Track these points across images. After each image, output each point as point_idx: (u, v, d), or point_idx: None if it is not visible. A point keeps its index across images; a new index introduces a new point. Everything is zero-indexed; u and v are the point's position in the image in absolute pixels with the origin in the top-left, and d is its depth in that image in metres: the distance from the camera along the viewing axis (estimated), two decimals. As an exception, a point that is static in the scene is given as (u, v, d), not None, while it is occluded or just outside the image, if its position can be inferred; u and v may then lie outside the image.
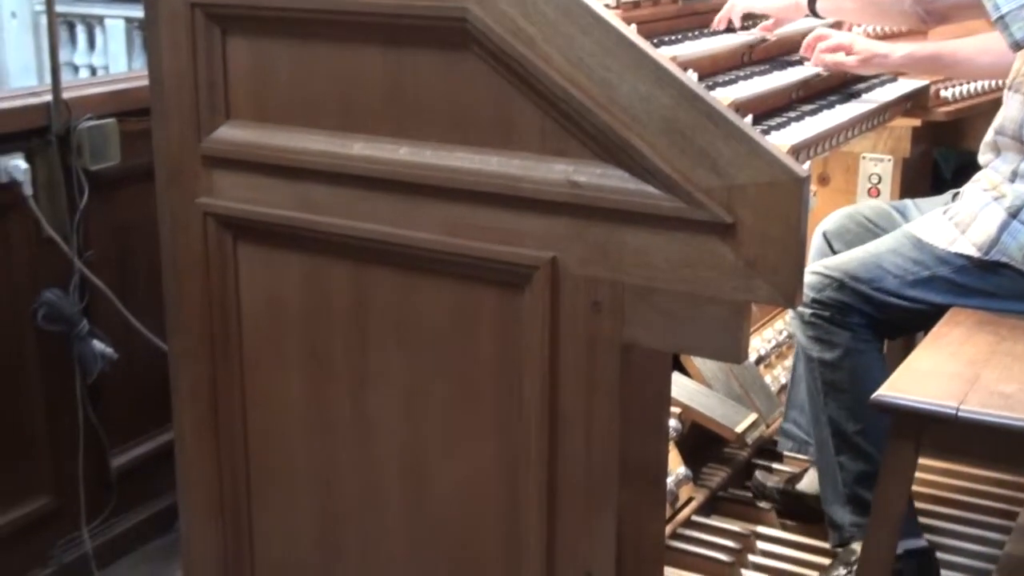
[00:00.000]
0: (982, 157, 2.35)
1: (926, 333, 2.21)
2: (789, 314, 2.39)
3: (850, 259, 2.32)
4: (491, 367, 1.82)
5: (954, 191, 2.46)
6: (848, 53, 2.53)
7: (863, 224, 2.54)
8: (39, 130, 2.62)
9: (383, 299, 1.89)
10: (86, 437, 2.76)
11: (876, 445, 2.24)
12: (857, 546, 2.28)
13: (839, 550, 2.37)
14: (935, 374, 1.94)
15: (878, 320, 2.29)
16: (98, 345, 2.74)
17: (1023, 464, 1.96)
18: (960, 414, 1.81)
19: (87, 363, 2.72)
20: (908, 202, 2.60)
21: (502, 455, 1.84)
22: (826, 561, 2.46)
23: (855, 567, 2.26)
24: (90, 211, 2.72)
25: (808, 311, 2.31)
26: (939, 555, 2.47)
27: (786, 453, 2.84)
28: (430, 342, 1.86)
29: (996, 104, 2.37)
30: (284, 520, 2.10)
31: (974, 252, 2.21)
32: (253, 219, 1.95)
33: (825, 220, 2.61)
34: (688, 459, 2.59)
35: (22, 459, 2.69)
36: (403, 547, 1.99)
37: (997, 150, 2.30)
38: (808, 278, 2.30)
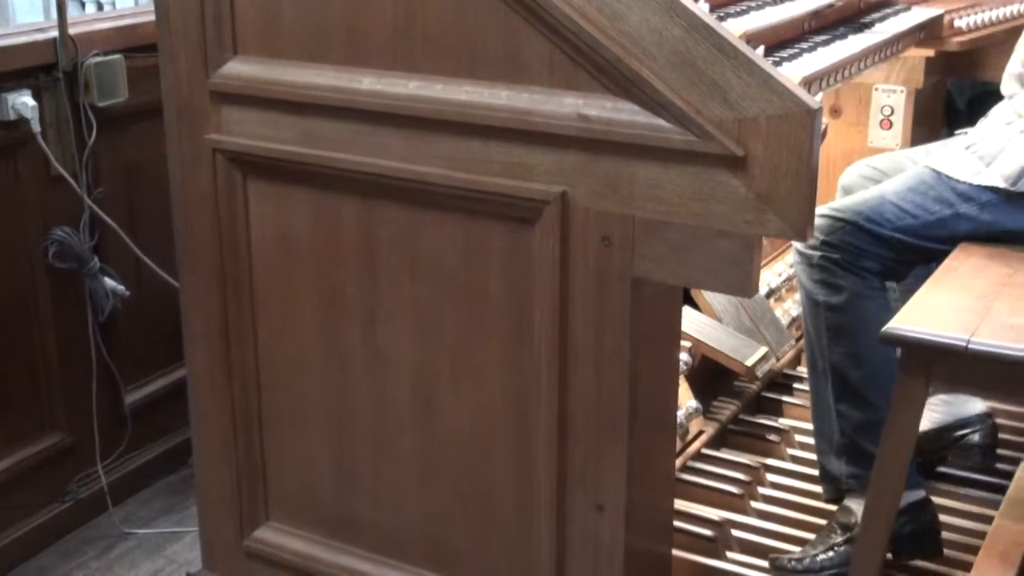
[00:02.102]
0: (1005, 87, 2.30)
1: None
2: (793, 257, 2.32)
3: (864, 199, 2.25)
4: (501, 301, 1.82)
5: (966, 129, 2.42)
6: None
7: (876, 177, 2.46)
8: (46, 67, 2.61)
9: (393, 234, 1.89)
10: (99, 374, 2.78)
11: (879, 393, 2.18)
12: (854, 505, 2.24)
13: (834, 508, 2.31)
14: (946, 307, 1.94)
15: (893, 262, 2.23)
16: (109, 282, 2.75)
17: (1033, 395, 1.96)
18: (971, 346, 1.80)
19: (99, 300, 2.74)
20: (922, 149, 2.54)
21: (513, 388, 1.85)
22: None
23: (853, 531, 2.20)
24: (99, 148, 2.71)
25: (817, 254, 2.22)
26: (950, 487, 2.49)
27: (796, 387, 2.85)
28: (440, 277, 1.86)
29: (1011, 34, 2.34)
30: (297, 453, 2.11)
31: (1002, 184, 2.15)
32: (262, 155, 1.94)
33: (843, 176, 2.55)
34: (698, 392, 2.60)
35: (37, 396, 2.71)
36: (415, 479, 2.00)
37: (1023, 81, 2.25)
38: (817, 221, 2.24)
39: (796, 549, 2.29)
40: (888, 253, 2.22)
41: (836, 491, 2.30)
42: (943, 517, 2.36)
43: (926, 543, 2.25)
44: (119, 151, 2.80)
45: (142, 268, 2.85)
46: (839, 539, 2.25)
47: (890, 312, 2.22)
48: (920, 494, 2.25)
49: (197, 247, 2.06)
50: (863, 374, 2.22)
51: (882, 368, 2.18)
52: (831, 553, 2.24)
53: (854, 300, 2.22)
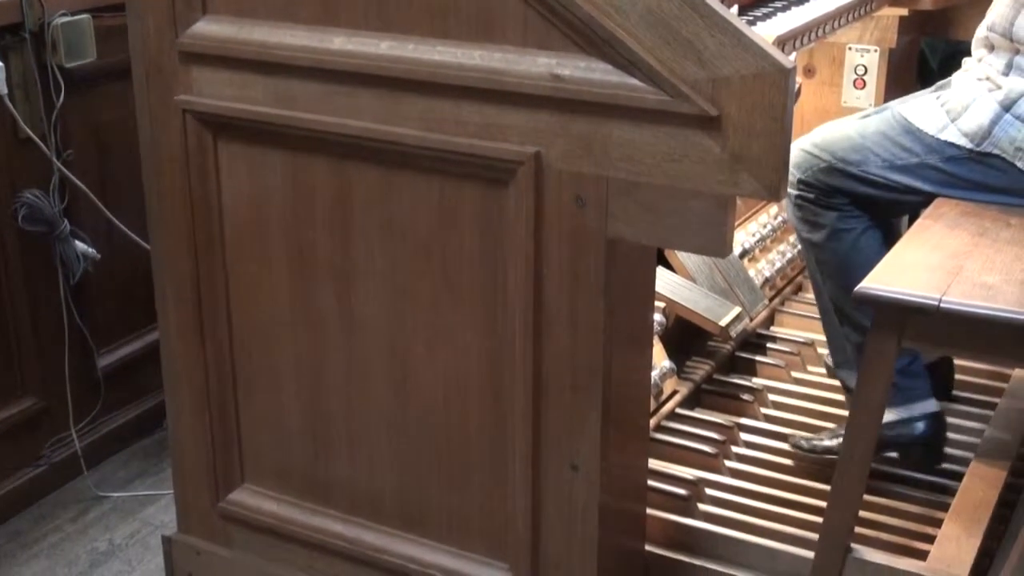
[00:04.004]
0: (975, 52, 2.31)
1: (911, 222, 2.20)
2: None
3: (837, 138, 2.29)
4: (475, 263, 1.82)
5: (939, 83, 2.43)
6: None
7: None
8: (12, 27, 2.57)
9: (366, 195, 1.88)
10: (71, 338, 2.76)
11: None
12: None
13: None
14: (918, 266, 1.94)
15: (864, 200, 2.28)
16: (80, 246, 2.72)
17: (1004, 354, 1.97)
18: (942, 305, 1.81)
19: (70, 264, 2.71)
20: (889, 105, 2.55)
21: (487, 350, 1.85)
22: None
23: None
24: (67, 110, 2.68)
25: (795, 192, 2.31)
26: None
27: (769, 346, 2.87)
28: (414, 238, 1.86)
29: (983, -7, 2.34)
30: (271, 416, 2.11)
31: (965, 142, 2.18)
32: (233, 116, 1.92)
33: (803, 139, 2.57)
34: (672, 353, 2.61)
35: (8, 361, 2.69)
36: (390, 440, 2.01)
37: (990, 46, 2.26)
38: (795, 155, 2.28)
39: (770, 507, 2.31)
40: (859, 191, 2.27)
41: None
42: (914, 473, 2.40)
43: (929, 453, 2.38)
44: (88, 112, 2.77)
45: (113, 231, 2.83)
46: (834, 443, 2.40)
47: (874, 238, 2.27)
48: (932, 407, 2.36)
49: (168, 209, 2.05)
50: (855, 304, 2.27)
51: None
52: (834, 442, 2.40)
53: (834, 235, 2.29)
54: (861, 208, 2.29)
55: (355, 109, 1.81)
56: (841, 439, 2.37)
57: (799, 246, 2.52)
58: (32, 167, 2.64)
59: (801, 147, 2.30)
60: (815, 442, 2.44)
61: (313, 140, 1.87)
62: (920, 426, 2.35)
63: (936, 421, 2.37)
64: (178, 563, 2.29)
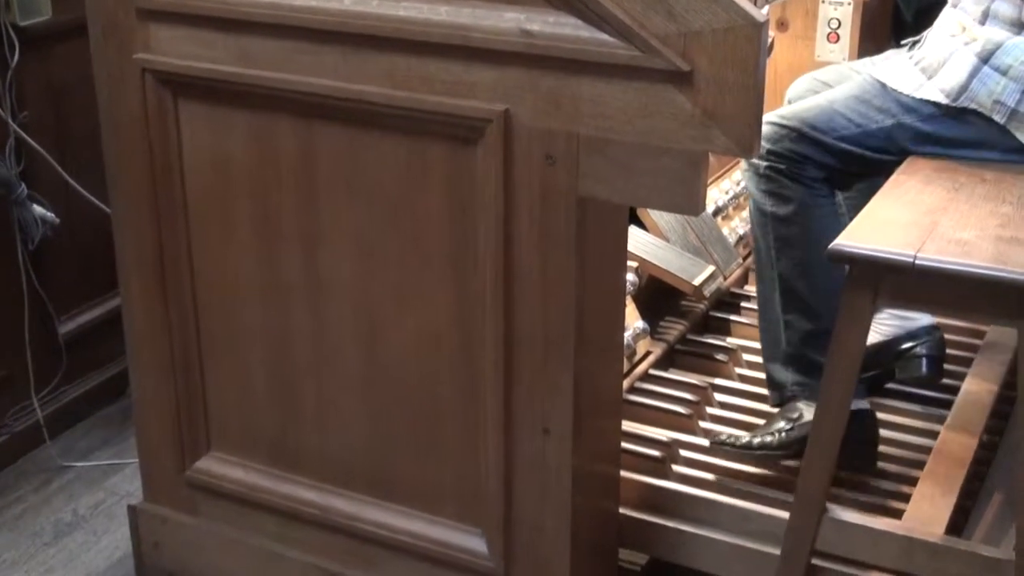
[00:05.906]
0: None
1: (885, 178, 2.18)
2: (743, 165, 2.32)
3: (808, 107, 2.25)
4: (444, 223, 1.79)
5: (913, 39, 2.40)
6: None
7: (823, 90, 2.46)
8: (-37, -15, 2.51)
9: (331, 155, 1.84)
10: (31, 304, 2.71)
11: (825, 304, 2.20)
12: (802, 404, 2.26)
13: (779, 408, 2.33)
14: (892, 223, 1.93)
15: (836, 171, 2.24)
16: (38, 210, 2.67)
17: (979, 310, 1.96)
18: (917, 262, 1.80)
19: (28, 228, 2.66)
20: (868, 60, 2.53)
21: (457, 312, 1.83)
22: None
23: (797, 422, 2.25)
24: (22, 70, 2.62)
25: (763, 163, 2.25)
26: (897, 403, 2.51)
27: (743, 305, 2.85)
28: (381, 198, 1.82)
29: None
30: (238, 380, 2.08)
31: (942, 99, 2.15)
32: (193, 75, 1.88)
33: (790, 88, 2.53)
34: (645, 313, 2.59)
35: (-34, 328, 2.65)
36: (359, 405, 1.98)
37: None
38: (764, 128, 2.24)
39: (745, 468, 2.30)
40: (832, 161, 2.22)
41: (782, 398, 2.33)
42: (890, 432, 2.39)
43: (862, 453, 2.29)
44: (44, 73, 2.71)
45: (72, 194, 2.77)
46: (781, 425, 2.28)
47: (838, 222, 2.23)
48: (863, 404, 2.28)
49: (128, 172, 2.00)
50: (810, 284, 2.24)
51: (828, 279, 2.19)
52: (770, 438, 2.29)
53: (801, 211, 2.23)
54: (830, 185, 2.25)
55: (319, 67, 1.77)
56: (773, 436, 2.29)
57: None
58: (-14, 130, 2.59)
59: (768, 120, 2.22)
60: (755, 439, 2.30)
61: (276, 99, 1.83)
62: (852, 426, 2.18)
63: (868, 420, 2.29)
64: (144, 533, 2.27)
